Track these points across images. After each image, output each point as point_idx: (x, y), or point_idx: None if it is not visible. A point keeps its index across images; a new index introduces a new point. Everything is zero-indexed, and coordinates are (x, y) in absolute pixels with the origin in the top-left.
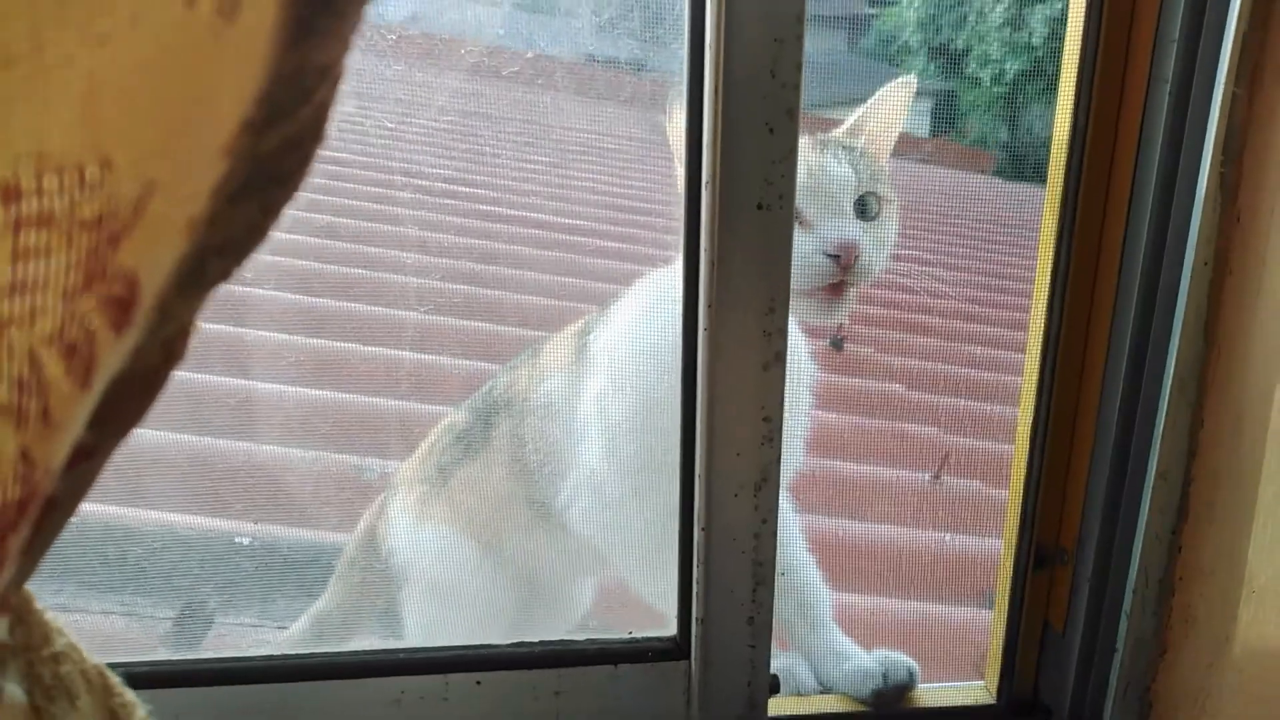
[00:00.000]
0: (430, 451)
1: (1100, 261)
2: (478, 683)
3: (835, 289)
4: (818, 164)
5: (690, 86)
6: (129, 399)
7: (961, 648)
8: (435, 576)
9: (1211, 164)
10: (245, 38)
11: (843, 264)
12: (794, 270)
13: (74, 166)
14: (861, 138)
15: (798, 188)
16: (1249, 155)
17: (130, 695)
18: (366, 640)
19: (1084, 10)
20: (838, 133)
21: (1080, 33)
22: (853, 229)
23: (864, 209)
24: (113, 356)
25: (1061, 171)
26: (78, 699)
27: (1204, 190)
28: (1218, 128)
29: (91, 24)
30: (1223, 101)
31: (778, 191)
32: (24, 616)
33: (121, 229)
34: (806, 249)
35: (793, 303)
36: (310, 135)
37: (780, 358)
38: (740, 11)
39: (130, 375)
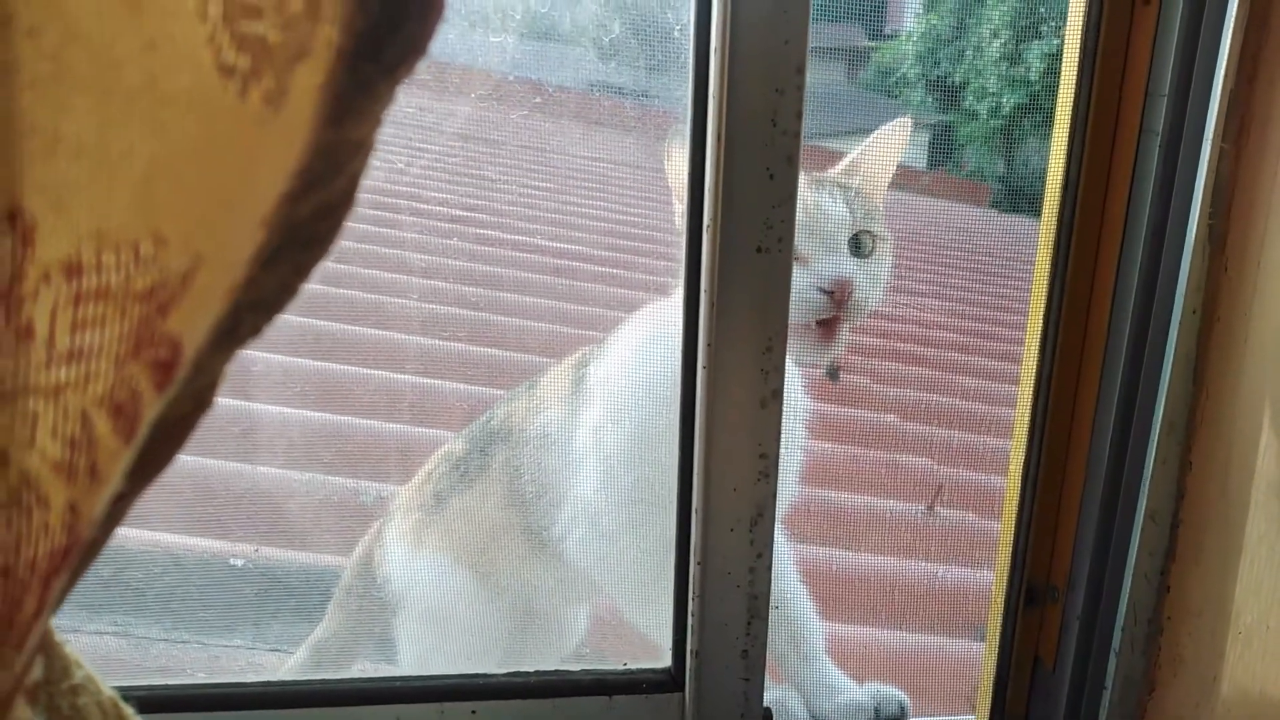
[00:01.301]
0: (427, 479)
1: (1091, 305)
2: (473, 712)
3: (828, 325)
4: (814, 202)
5: (693, 132)
6: (161, 446)
7: (953, 680)
8: (429, 604)
9: (1200, 215)
10: (288, 123)
11: (836, 299)
12: (790, 305)
13: (130, 244)
14: (857, 177)
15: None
16: (1236, 208)
17: None
18: (364, 667)
19: (1077, 64)
20: (834, 171)
21: (1074, 84)
22: (847, 266)
23: (858, 246)
24: (152, 412)
25: (1055, 216)
26: None
27: (1193, 240)
28: (1206, 180)
29: (153, 116)
30: (1211, 155)
31: (777, 235)
32: (48, 650)
33: (170, 299)
34: (801, 284)
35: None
36: (342, 202)
37: (777, 395)
38: (742, 62)
39: (163, 424)
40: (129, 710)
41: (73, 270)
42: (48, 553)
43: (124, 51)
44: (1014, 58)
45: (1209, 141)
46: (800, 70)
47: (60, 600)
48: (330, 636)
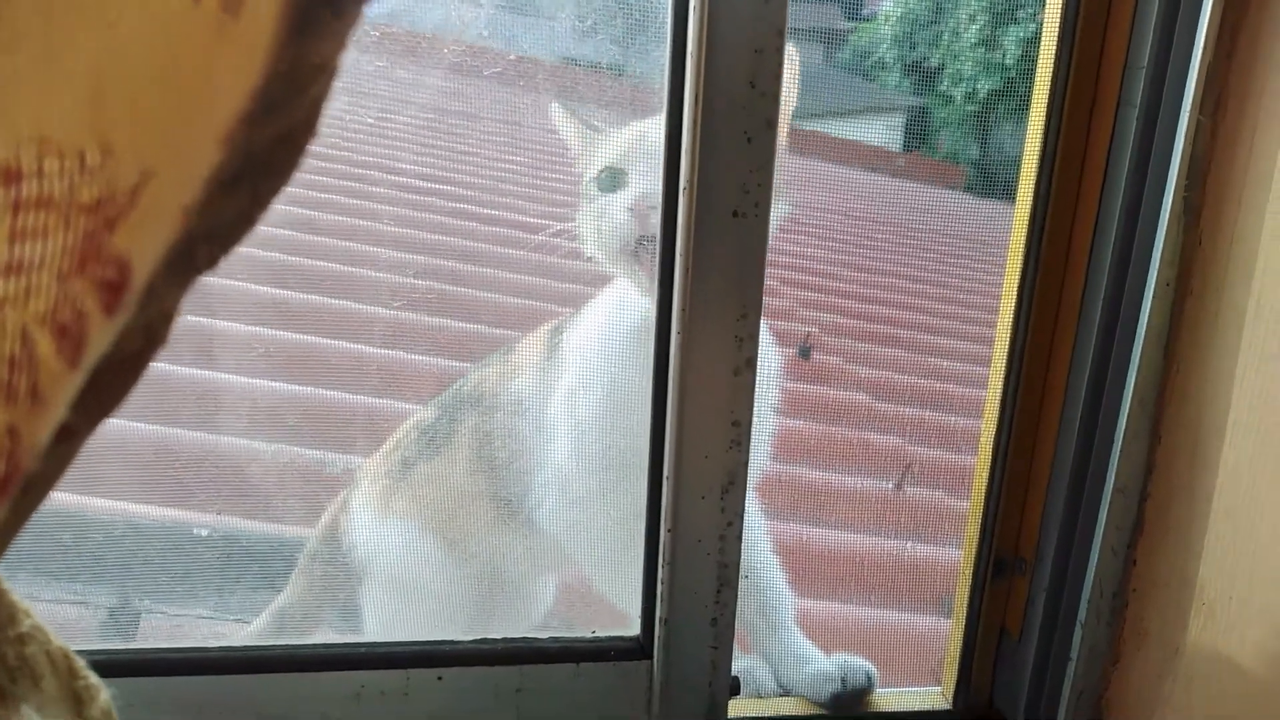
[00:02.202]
0: (396, 447)
1: (1065, 279)
2: (439, 678)
3: (649, 246)
4: (650, 127)
5: (671, 94)
6: (111, 382)
7: (919, 654)
8: (395, 571)
9: (1176, 188)
10: (247, 32)
11: (638, 216)
12: (605, 232)
13: (75, 151)
14: None
15: (641, 153)
16: (1212, 181)
17: (94, 678)
18: (327, 636)
19: (1056, 35)
20: None
21: (1053, 56)
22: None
23: None
24: (101, 338)
25: (1031, 190)
26: (41, 680)
27: (1168, 213)
28: (1183, 153)
29: (100, 10)
30: (1188, 128)
31: (754, 200)
32: None
33: (118, 214)
34: (614, 208)
35: (618, 268)
36: (303, 128)
37: (751, 364)
38: (721, 22)
39: (113, 358)
40: (80, 663)
41: (11, 176)
42: None
43: None
44: (990, 43)
45: (1186, 115)
46: (780, 32)
47: (4, 543)
48: (294, 604)
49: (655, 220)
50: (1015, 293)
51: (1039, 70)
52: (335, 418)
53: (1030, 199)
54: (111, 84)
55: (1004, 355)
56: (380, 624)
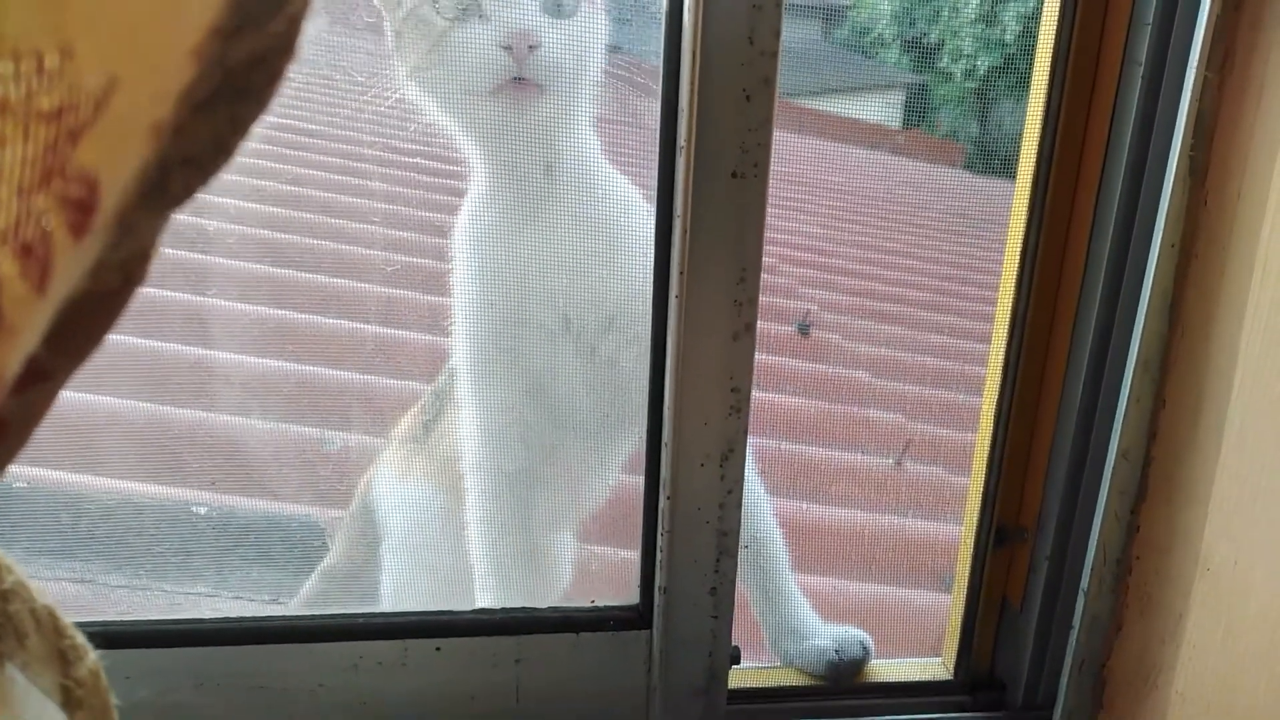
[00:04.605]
0: (419, 410)
1: (1069, 241)
2: (437, 649)
3: (521, 87)
4: None
5: (667, 51)
6: (86, 320)
7: (919, 629)
8: (409, 532)
9: (1181, 147)
10: None
11: (516, 56)
12: (471, 69)
13: (32, 53)
14: None
15: None
16: (1218, 139)
17: (81, 639)
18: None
19: None
20: None
21: (1057, 13)
22: (530, 19)
23: (558, 7)
24: (71, 265)
25: (1034, 150)
26: (26, 638)
27: (1173, 173)
28: (1189, 111)
29: None
30: (1194, 85)
31: (753, 160)
32: None
33: (82, 125)
34: (480, 42)
35: (481, 109)
36: (281, 50)
37: (750, 328)
38: None
39: (88, 296)
40: (66, 621)
41: None
42: None
43: None
44: (990, 19)
45: (1193, 71)
46: None
47: None
48: (337, 564)
49: (539, 61)
50: (1018, 254)
51: (1042, 28)
52: (334, 395)
53: (1034, 157)
54: None
55: (1006, 320)
56: (392, 585)
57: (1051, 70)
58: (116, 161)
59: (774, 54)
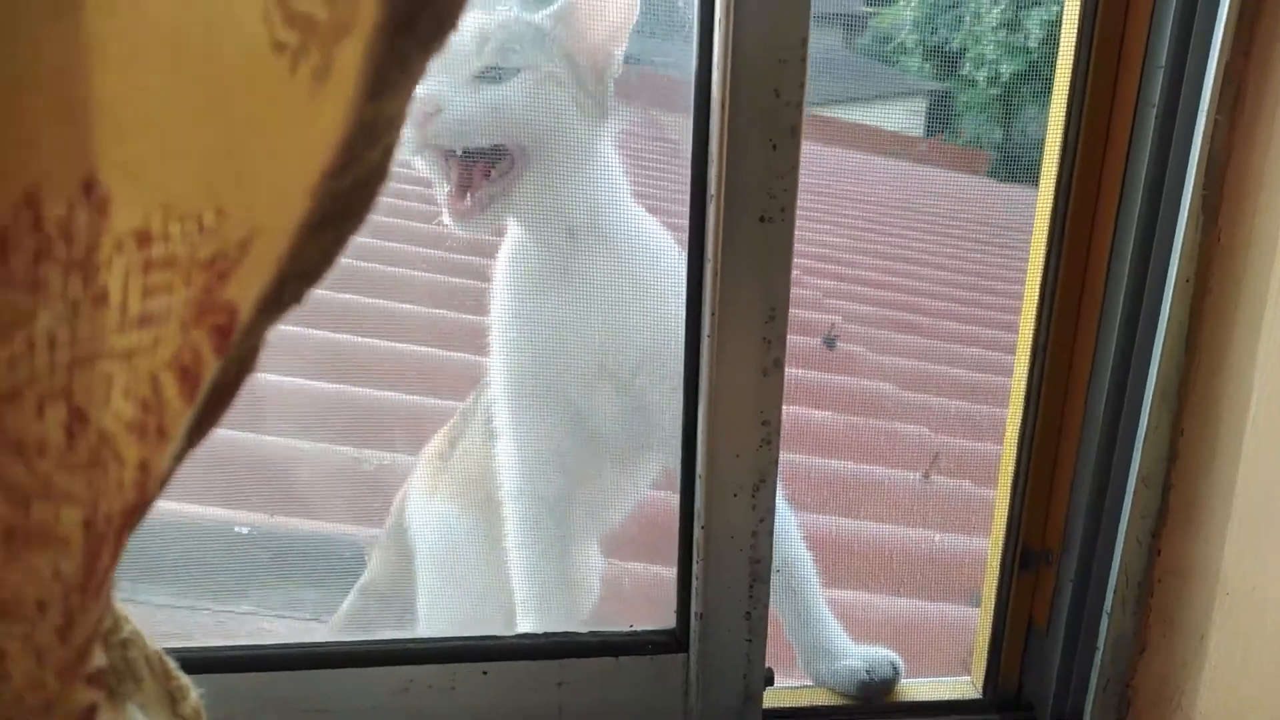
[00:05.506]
0: (449, 429)
1: (1087, 277)
2: (484, 673)
3: (465, 173)
4: (474, 23)
5: (697, 103)
6: (212, 408)
7: (949, 644)
8: (436, 548)
9: (1194, 186)
10: (332, 97)
11: (416, 122)
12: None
13: (194, 215)
14: (561, 25)
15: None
16: (1230, 180)
17: (185, 679)
18: (376, 633)
19: (1075, 34)
20: (545, 12)
21: (1072, 57)
22: (445, 89)
23: (496, 79)
24: (211, 375)
25: (1051, 191)
26: (142, 681)
27: (1187, 211)
28: (1200, 152)
29: (215, 94)
30: (1205, 127)
31: (780, 205)
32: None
33: (229, 267)
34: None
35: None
36: (377, 174)
37: (779, 364)
38: (746, 33)
39: (213, 389)
40: (173, 664)
41: (143, 239)
42: (121, 508)
43: (187, 31)
44: (1013, 24)
45: (1204, 114)
46: (804, 41)
47: (116, 561)
48: (375, 580)
49: (444, 124)
50: (1038, 286)
51: (1058, 71)
52: (373, 415)
53: (1051, 197)
54: (223, 154)
55: (1027, 351)
56: (425, 601)
57: (1067, 115)
58: (250, 290)
59: (799, 105)
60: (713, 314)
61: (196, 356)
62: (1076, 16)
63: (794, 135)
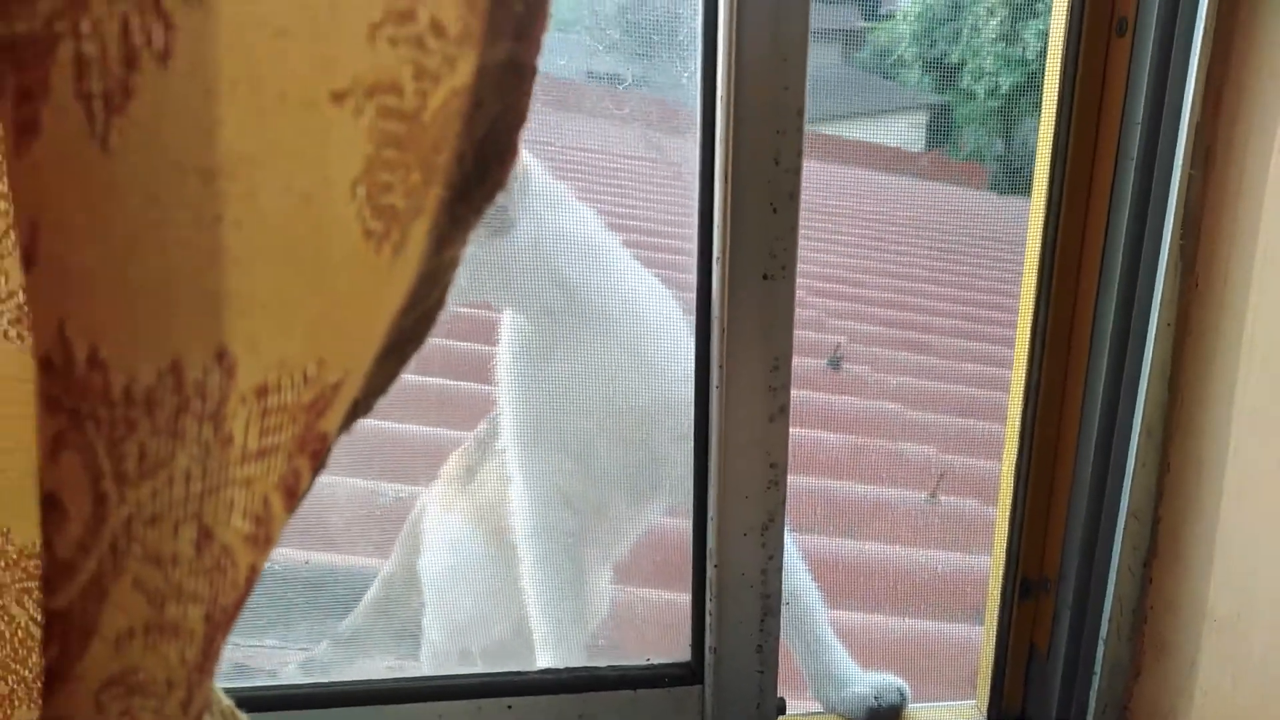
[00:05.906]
0: (462, 453)
1: (1075, 320)
2: (509, 707)
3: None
4: None
5: (702, 171)
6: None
7: (955, 665)
8: (448, 570)
9: (1172, 237)
10: (406, 261)
11: None
12: None
13: (300, 369)
14: None
15: None
16: (1205, 230)
17: None
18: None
19: (1057, 92)
20: None
21: (1054, 113)
22: None
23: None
24: (306, 488)
25: (1038, 247)
26: None
27: (1166, 260)
28: (1177, 203)
29: (318, 277)
30: (1181, 180)
31: (780, 263)
32: None
33: (326, 405)
34: None
35: None
36: (437, 306)
37: (784, 410)
38: (746, 107)
39: None
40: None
41: (261, 392)
42: (233, 602)
43: (299, 234)
44: (1011, 37)
45: (1179, 168)
46: (800, 113)
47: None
48: (393, 572)
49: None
50: (1028, 335)
51: (1041, 126)
52: (389, 447)
53: (1038, 249)
54: (323, 320)
55: (1020, 392)
56: (434, 620)
57: (1052, 163)
58: (339, 417)
59: (797, 171)
60: (720, 367)
61: (298, 477)
62: (1057, 74)
63: (793, 199)
